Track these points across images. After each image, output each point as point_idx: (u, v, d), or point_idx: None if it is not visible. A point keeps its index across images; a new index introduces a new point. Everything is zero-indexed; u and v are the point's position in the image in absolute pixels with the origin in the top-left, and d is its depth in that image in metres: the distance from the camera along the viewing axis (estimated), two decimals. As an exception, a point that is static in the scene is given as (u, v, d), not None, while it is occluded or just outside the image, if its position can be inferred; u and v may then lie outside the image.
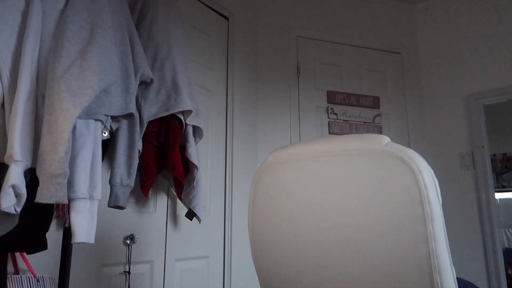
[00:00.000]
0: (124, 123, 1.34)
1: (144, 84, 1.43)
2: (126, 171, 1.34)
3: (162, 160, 1.53)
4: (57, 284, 1.28)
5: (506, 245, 4.38)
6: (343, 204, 0.84)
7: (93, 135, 1.12)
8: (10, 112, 0.97)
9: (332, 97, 2.55)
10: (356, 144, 0.88)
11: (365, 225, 0.82)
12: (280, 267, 0.93)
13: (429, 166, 0.82)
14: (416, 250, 0.77)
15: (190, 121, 1.52)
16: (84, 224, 1.05)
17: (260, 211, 0.96)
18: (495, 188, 2.73)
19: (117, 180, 1.32)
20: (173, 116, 1.48)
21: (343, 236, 0.84)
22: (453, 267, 0.79)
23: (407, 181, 0.79)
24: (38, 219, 1.11)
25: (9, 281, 1.10)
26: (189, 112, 1.50)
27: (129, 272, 1.48)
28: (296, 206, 0.89)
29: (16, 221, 0.99)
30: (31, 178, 0.99)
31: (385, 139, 0.86)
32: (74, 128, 1.03)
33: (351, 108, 2.57)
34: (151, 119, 1.43)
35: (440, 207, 0.79)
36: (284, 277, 0.93)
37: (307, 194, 0.88)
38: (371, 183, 0.83)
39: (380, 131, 2.59)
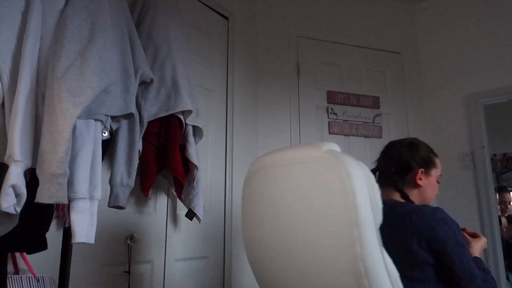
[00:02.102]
0: (124, 123, 1.34)
1: (144, 84, 1.43)
2: (126, 171, 1.34)
3: (162, 160, 1.53)
4: (57, 284, 1.28)
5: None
6: (290, 209, 0.91)
7: (93, 135, 1.12)
8: (10, 112, 0.97)
9: (332, 97, 2.54)
10: (301, 152, 0.93)
11: (305, 228, 0.87)
12: (260, 264, 1.02)
13: (364, 173, 0.84)
14: (344, 253, 0.80)
15: (190, 121, 1.52)
16: (84, 224, 1.05)
17: (245, 214, 1.05)
18: (495, 188, 2.73)
19: (117, 180, 1.32)
20: (173, 116, 1.48)
21: (291, 238, 0.90)
22: (391, 271, 0.82)
23: (337, 187, 0.83)
24: (38, 219, 1.11)
25: (9, 281, 1.10)
26: (189, 112, 1.50)
27: (129, 272, 1.48)
28: (263, 211, 0.97)
29: (16, 221, 0.99)
30: (31, 178, 0.99)
31: (327, 146, 0.91)
32: (74, 128, 1.03)
33: (351, 108, 2.57)
34: (151, 119, 1.43)
35: (372, 212, 0.81)
36: (263, 273, 1.01)
37: (269, 200, 0.96)
38: (309, 189, 0.88)
39: (380, 131, 2.59)
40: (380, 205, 0.86)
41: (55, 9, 1.11)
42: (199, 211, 1.61)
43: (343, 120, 2.54)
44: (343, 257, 0.80)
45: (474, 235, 1.29)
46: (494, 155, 5.03)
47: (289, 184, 0.93)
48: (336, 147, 0.91)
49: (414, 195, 1.26)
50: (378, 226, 0.85)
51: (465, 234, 1.29)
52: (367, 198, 0.82)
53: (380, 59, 2.75)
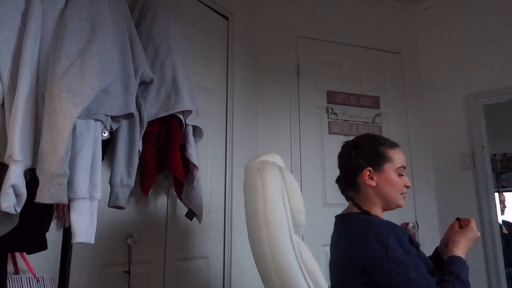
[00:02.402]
0: (124, 123, 1.34)
1: (144, 84, 1.43)
2: (126, 171, 1.34)
3: (162, 160, 1.53)
4: (57, 284, 1.28)
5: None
6: (245, 211, 1.13)
7: (93, 135, 1.12)
8: (10, 112, 0.97)
9: (332, 97, 2.54)
10: (250, 162, 1.11)
11: (248, 228, 1.08)
12: None
13: (282, 180, 1.01)
14: (262, 251, 0.97)
15: (190, 121, 1.52)
16: (84, 224, 1.05)
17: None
18: (495, 188, 2.72)
19: (117, 180, 1.32)
20: (173, 116, 1.48)
21: (249, 238, 1.10)
22: (308, 270, 0.96)
23: (257, 194, 1.00)
24: (38, 219, 1.11)
25: (9, 281, 1.10)
26: (189, 112, 1.50)
27: (129, 272, 1.48)
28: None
29: (16, 221, 0.99)
30: (31, 178, 0.99)
31: (264, 158, 1.08)
32: (74, 128, 1.03)
33: (351, 108, 2.56)
34: (151, 119, 1.43)
35: (285, 216, 0.98)
36: None
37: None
38: (246, 195, 1.08)
39: (380, 131, 2.58)
40: (298, 208, 1.01)
41: (55, 9, 1.11)
42: (199, 211, 1.61)
43: (343, 120, 2.54)
44: (262, 255, 0.97)
45: (468, 222, 1.17)
46: (494, 155, 5.03)
47: (243, 190, 1.14)
48: (273, 158, 1.10)
49: (372, 196, 1.17)
50: (299, 227, 1.02)
51: (456, 226, 1.19)
52: (279, 204, 0.98)
53: (380, 59, 2.75)
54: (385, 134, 2.58)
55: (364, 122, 2.57)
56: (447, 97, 2.70)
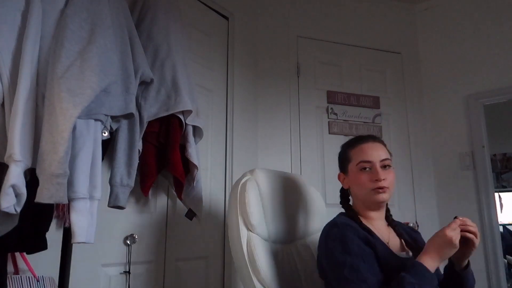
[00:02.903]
0: (124, 123, 1.34)
1: (144, 84, 1.43)
2: (126, 171, 1.34)
3: (162, 160, 1.53)
4: (57, 284, 1.28)
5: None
6: None
7: (93, 135, 1.12)
8: (10, 112, 0.97)
9: (332, 97, 2.54)
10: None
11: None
12: None
13: (238, 191, 1.27)
14: (243, 250, 1.21)
15: (190, 121, 1.52)
16: (84, 224, 1.05)
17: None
18: (495, 188, 2.72)
19: (117, 180, 1.32)
20: (173, 116, 1.48)
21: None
22: (250, 258, 1.17)
23: (235, 199, 1.29)
24: (38, 219, 1.11)
25: (9, 281, 1.10)
26: (189, 112, 1.50)
27: (129, 272, 1.48)
28: None
29: (16, 221, 0.99)
30: (31, 178, 0.99)
31: (245, 174, 1.37)
32: (74, 128, 1.03)
33: (351, 108, 2.56)
34: (151, 119, 1.43)
35: (236, 217, 1.24)
36: None
37: None
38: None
39: (380, 131, 2.59)
40: (247, 211, 1.23)
41: (55, 9, 1.11)
42: (199, 211, 1.61)
43: (343, 120, 2.54)
44: (242, 251, 1.21)
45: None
46: (494, 155, 5.03)
47: None
48: (249, 174, 1.36)
49: (354, 197, 1.21)
50: (252, 227, 1.23)
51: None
52: (232, 208, 1.28)
53: (380, 59, 2.74)
54: (385, 134, 2.58)
55: (364, 122, 2.57)
56: (447, 97, 2.70)
